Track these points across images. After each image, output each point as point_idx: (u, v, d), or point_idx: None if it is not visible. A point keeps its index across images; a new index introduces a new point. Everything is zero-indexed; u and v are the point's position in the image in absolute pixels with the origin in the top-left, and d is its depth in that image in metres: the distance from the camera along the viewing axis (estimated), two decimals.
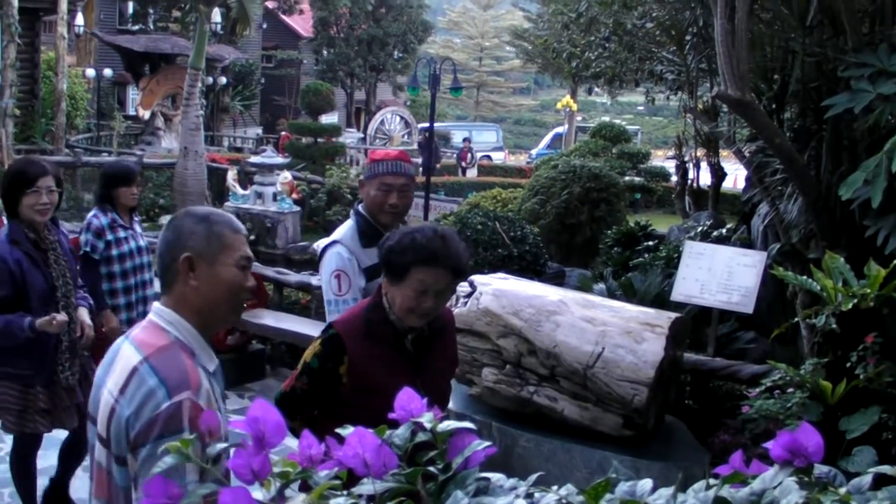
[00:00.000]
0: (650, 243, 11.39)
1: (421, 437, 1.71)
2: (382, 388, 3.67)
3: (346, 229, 5.46)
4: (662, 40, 13.08)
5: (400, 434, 1.70)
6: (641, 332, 6.26)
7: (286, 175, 21.31)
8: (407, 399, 1.79)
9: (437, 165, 38.19)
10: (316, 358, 4.18)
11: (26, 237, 5.93)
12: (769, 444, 1.66)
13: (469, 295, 6.96)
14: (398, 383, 3.83)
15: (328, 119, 40.00)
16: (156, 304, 3.21)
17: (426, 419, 1.71)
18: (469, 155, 38.21)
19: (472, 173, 36.95)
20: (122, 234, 7.50)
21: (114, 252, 7.47)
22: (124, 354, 3.11)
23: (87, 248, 7.37)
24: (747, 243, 9.79)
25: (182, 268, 3.10)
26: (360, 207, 5.50)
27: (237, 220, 3.29)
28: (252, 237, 20.44)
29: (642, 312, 6.63)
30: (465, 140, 40.70)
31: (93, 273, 7.35)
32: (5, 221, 6.16)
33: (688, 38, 12.05)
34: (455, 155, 39.35)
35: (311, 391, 4.23)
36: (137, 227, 7.77)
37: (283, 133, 39.46)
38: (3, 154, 21.94)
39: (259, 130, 52.03)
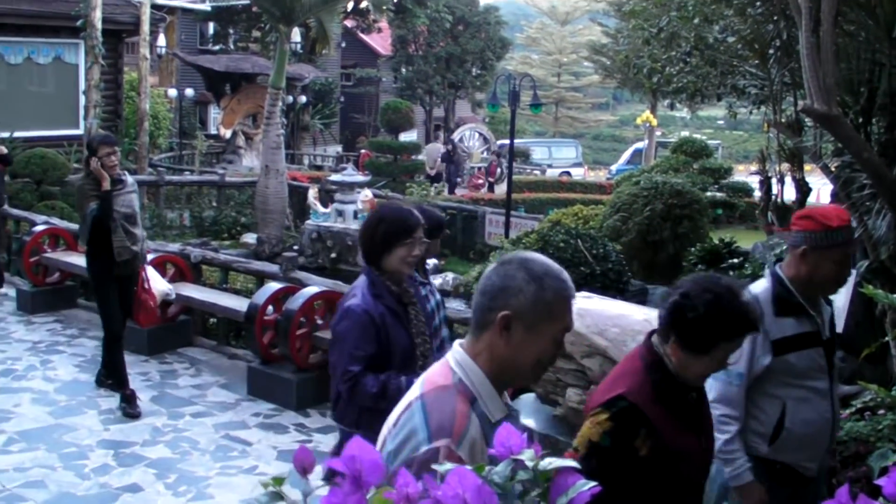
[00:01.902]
0: (735, 260, 11.26)
1: (522, 475, 1.66)
2: (684, 451, 3.57)
3: (760, 290, 4.76)
4: (745, 54, 12.94)
5: (500, 472, 1.66)
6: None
7: (367, 193, 21.39)
8: (506, 435, 1.75)
9: (459, 179, 38.00)
10: (606, 436, 3.63)
11: (388, 290, 5.44)
12: (882, 481, 1.61)
13: None
14: (694, 443, 3.74)
15: (407, 137, 40.10)
16: (458, 342, 3.06)
17: (527, 456, 1.67)
18: (498, 170, 37.65)
19: (500, 189, 36.28)
20: (423, 291, 6.39)
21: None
22: (414, 387, 3.05)
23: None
24: None
25: (497, 323, 2.92)
26: (778, 269, 4.86)
27: (569, 279, 3.06)
28: (333, 255, 20.54)
29: None
30: (492, 153, 40.28)
31: None
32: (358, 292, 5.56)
33: (771, 51, 11.91)
34: (484, 169, 38.82)
35: (602, 473, 3.34)
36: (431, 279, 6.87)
37: (363, 151, 39.65)
38: None
39: (339, 148, 52.30)
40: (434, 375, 3.00)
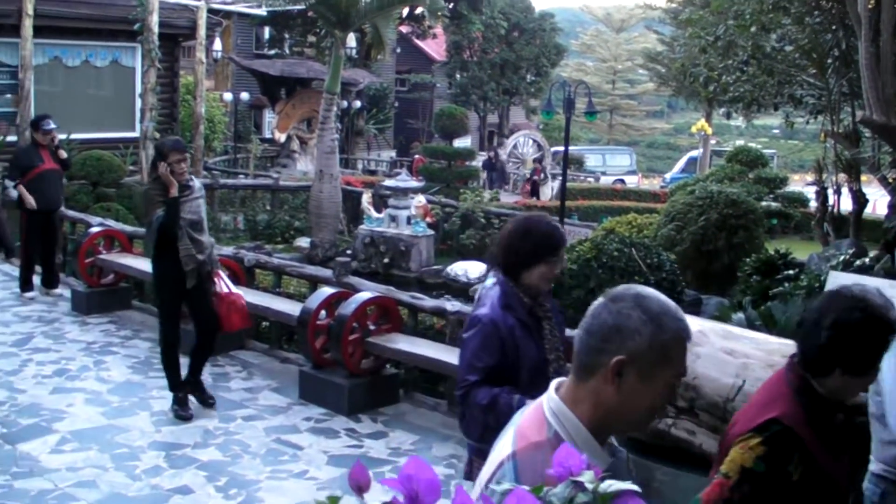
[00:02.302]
0: (790, 272, 11.14)
1: (581, 497, 1.62)
2: (833, 474, 3.53)
3: None
4: (802, 63, 12.85)
5: (558, 493, 1.62)
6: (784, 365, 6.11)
7: (420, 199, 21.42)
8: (565, 456, 1.72)
9: (506, 187, 37.82)
10: (761, 461, 3.51)
11: (521, 302, 5.16)
12: None
13: None
14: (840, 466, 3.69)
15: (461, 142, 40.13)
16: (553, 387, 2.79)
17: (586, 478, 1.63)
18: (542, 174, 37.35)
19: (545, 193, 35.90)
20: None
21: None
22: (505, 440, 2.75)
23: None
24: (891, 273, 9.52)
25: (610, 369, 2.64)
26: None
27: (685, 318, 2.78)
28: (386, 260, 20.57)
29: (784, 345, 6.46)
30: (535, 160, 39.98)
31: None
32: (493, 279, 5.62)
33: (829, 61, 11.82)
34: (528, 175, 38.47)
35: (755, 499, 3.55)
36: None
37: (417, 156, 39.67)
38: (144, 176, 22.35)
39: (393, 153, 52.41)
40: (527, 429, 2.70)
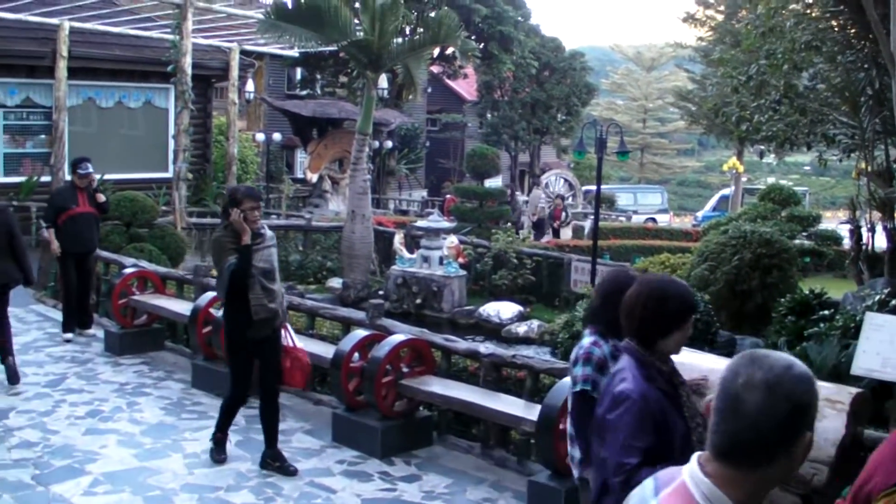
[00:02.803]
0: (825, 312, 11.07)
1: None
2: None
3: None
4: (835, 102, 12.81)
5: None
6: (821, 408, 6.03)
7: (453, 239, 21.42)
8: None
9: (521, 219, 37.64)
10: None
11: (659, 371, 4.86)
12: None
13: None
14: None
15: (492, 182, 40.13)
16: (696, 463, 2.62)
17: None
18: (563, 214, 37.11)
19: (566, 234, 35.51)
20: None
21: None
22: None
23: (587, 387, 5.77)
24: None
25: (797, 449, 2.49)
26: None
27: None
28: (418, 301, 20.55)
29: (822, 387, 6.36)
30: (557, 197, 39.77)
31: (587, 417, 5.61)
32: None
33: (862, 99, 11.78)
34: (549, 212, 38.21)
35: None
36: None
37: (449, 196, 39.68)
38: (177, 217, 22.47)
39: (424, 193, 52.50)
40: None
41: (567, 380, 8.27)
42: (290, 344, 9.22)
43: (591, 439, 5.36)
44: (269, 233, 8.93)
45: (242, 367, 9.00)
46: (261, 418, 9.08)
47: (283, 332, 9.10)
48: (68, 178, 24.04)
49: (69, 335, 13.82)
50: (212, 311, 11.79)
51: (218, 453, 9.11)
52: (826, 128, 13.46)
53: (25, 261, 11.93)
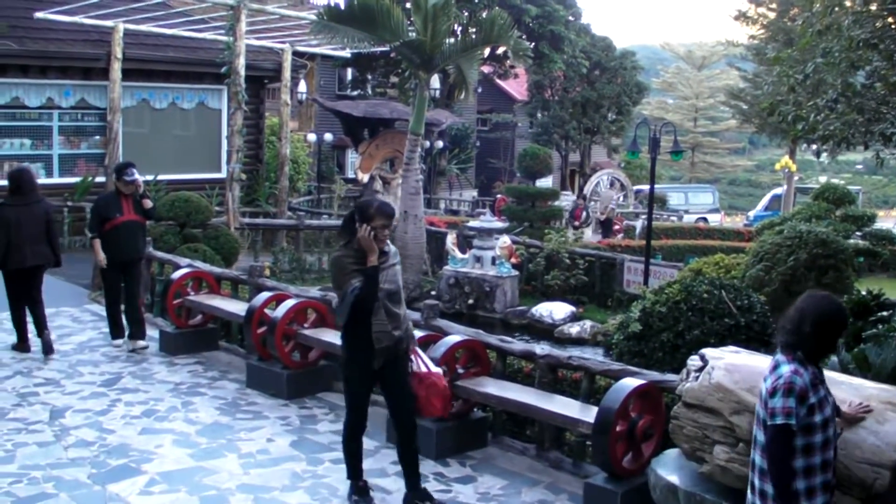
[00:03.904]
0: (884, 313, 10.94)
1: None
2: None
3: None
4: (893, 101, 12.68)
5: None
6: (883, 411, 5.99)
7: (505, 239, 21.40)
8: None
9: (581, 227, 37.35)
10: None
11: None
12: None
13: (700, 369, 6.78)
14: None
15: (543, 182, 40.04)
16: None
17: None
18: (583, 213, 36.74)
19: (588, 235, 35.03)
20: (822, 391, 5.55)
21: (816, 418, 5.46)
22: None
23: (790, 420, 5.40)
24: None
25: None
26: None
27: None
28: (470, 301, 20.54)
29: (883, 390, 6.34)
30: (578, 197, 39.37)
31: (789, 453, 5.45)
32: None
33: None
34: (569, 213, 37.84)
35: None
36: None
37: (500, 196, 39.67)
38: (230, 217, 22.56)
39: (474, 193, 52.56)
40: None
41: (628, 381, 8.26)
42: (424, 370, 8.23)
43: (791, 478, 5.45)
44: (392, 248, 8.06)
45: (361, 399, 8.16)
46: (399, 459, 8.25)
47: (414, 357, 8.22)
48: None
49: (118, 341, 13.71)
50: (267, 311, 11.84)
51: (364, 502, 8.25)
52: (884, 126, 13.30)
53: (57, 246, 13.22)
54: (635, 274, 21.37)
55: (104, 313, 14.53)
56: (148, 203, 13.66)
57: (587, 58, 54.37)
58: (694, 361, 6.90)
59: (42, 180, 24.43)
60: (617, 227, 36.29)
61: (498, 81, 59.54)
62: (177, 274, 14.04)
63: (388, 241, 7.95)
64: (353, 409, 8.14)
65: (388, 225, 7.84)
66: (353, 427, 8.16)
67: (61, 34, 24.66)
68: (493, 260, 21.02)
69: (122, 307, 13.75)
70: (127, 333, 13.70)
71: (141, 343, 13.55)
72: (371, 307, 7.67)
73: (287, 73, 27.83)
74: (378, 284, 7.66)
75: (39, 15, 23.02)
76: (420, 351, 8.36)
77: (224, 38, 23.34)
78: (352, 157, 48.53)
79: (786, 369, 5.45)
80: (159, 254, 15.97)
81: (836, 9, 12.39)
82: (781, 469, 5.43)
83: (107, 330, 14.06)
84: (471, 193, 52.83)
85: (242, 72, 22.68)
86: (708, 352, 6.96)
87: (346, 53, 31.62)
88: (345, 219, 8.02)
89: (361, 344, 7.81)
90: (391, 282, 7.84)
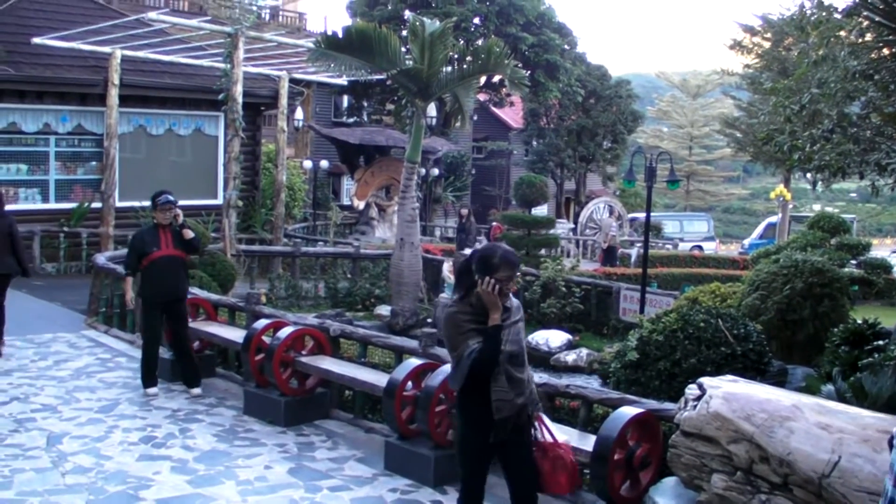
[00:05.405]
0: (879, 342, 10.99)
1: None
2: None
3: None
4: (888, 131, 12.75)
5: None
6: (880, 440, 6.02)
7: None
8: None
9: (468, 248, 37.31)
10: None
11: None
12: None
13: (698, 398, 6.81)
14: None
15: (539, 210, 40.15)
16: None
17: None
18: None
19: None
20: None
21: None
22: None
23: None
24: None
25: None
26: None
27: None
28: None
29: (880, 419, 6.38)
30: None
31: None
32: None
33: None
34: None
35: None
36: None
37: (495, 224, 39.75)
38: (226, 244, 22.61)
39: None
40: None
41: (626, 409, 8.28)
42: (549, 440, 7.09)
43: None
44: (515, 302, 6.89)
45: (477, 477, 7.10)
46: None
47: (538, 424, 7.08)
48: (119, 204, 24.57)
49: (152, 390, 12.59)
50: (264, 338, 11.86)
51: None
52: (879, 156, 13.37)
53: (23, 257, 13.54)
54: (631, 302, 21.41)
55: (100, 339, 14.53)
56: (189, 234, 12.60)
57: (582, 86, 54.54)
58: (692, 390, 6.94)
59: (38, 205, 24.67)
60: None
61: (494, 109, 59.76)
62: None
63: (510, 295, 6.81)
64: (469, 488, 7.12)
65: (514, 276, 6.74)
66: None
67: (58, 60, 24.76)
68: None
69: (171, 353, 13.14)
70: (182, 378, 12.96)
71: (196, 391, 12.70)
72: (491, 372, 6.59)
73: (284, 100, 27.96)
74: (500, 346, 6.56)
75: (37, 40, 23.14)
76: (545, 418, 7.19)
77: (221, 65, 23.44)
78: (347, 184, 48.72)
79: None
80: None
81: (832, 40, 12.46)
82: None
83: (104, 356, 14.07)
84: None
85: (240, 98, 22.76)
86: (706, 381, 7.00)
87: (343, 81, 31.71)
88: (459, 268, 6.97)
89: (478, 414, 6.74)
90: (514, 342, 6.68)
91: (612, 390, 10.42)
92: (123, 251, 20.08)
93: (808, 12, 13.04)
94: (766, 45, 48.13)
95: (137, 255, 12.45)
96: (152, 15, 24.09)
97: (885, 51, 12.28)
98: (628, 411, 8.20)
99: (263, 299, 15.99)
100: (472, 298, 6.65)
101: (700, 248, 49.18)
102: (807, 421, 6.25)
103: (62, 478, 9.17)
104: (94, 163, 26.11)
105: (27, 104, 24.89)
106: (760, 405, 6.47)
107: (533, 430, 6.99)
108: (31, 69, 24.40)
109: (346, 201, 47.08)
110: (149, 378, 12.69)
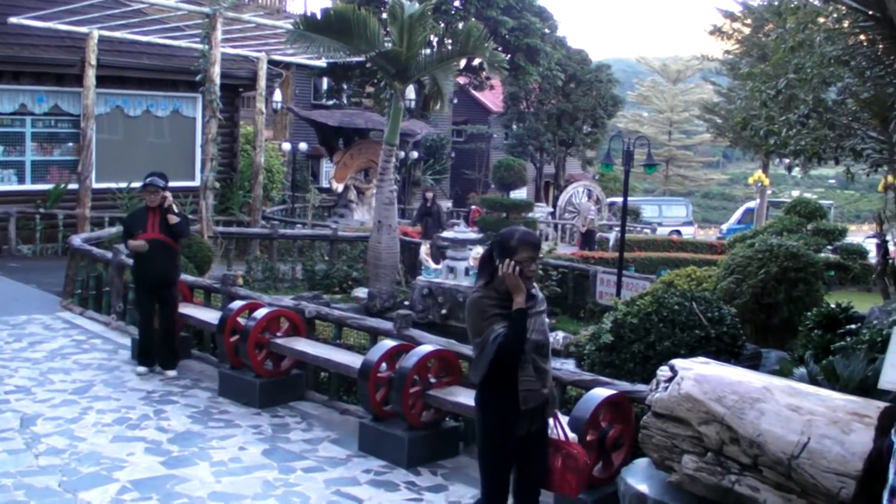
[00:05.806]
0: (852, 326, 11.03)
1: None
2: None
3: None
4: (863, 116, 12.78)
5: None
6: (849, 422, 6.04)
7: (479, 250, 21.38)
8: None
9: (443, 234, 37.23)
10: None
11: None
12: None
13: (670, 379, 6.83)
14: None
15: (518, 194, 40.18)
16: None
17: None
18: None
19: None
20: None
21: None
22: None
23: None
24: None
25: None
26: None
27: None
28: (444, 311, 20.56)
29: (850, 401, 6.40)
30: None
31: None
32: None
33: (892, 114, 11.74)
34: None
35: None
36: None
37: (474, 207, 39.74)
38: (203, 225, 22.56)
39: (449, 204, 52.58)
40: None
41: (598, 391, 8.30)
42: (562, 437, 6.95)
43: None
44: (540, 294, 6.72)
45: (502, 473, 6.68)
46: None
47: (553, 422, 6.90)
48: (95, 185, 24.49)
49: (142, 369, 12.69)
50: (239, 320, 11.84)
51: None
52: (854, 142, 13.40)
53: None
54: (608, 285, 21.43)
55: (76, 321, 14.48)
56: (173, 218, 12.34)
57: (563, 70, 54.51)
58: (664, 372, 6.95)
59: (14, 187, 24.55)
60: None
61: (473, 92, 59.65)
62: None
63: (535, 285, 6.68)
64: (493, 487, 6.70)
65: (535, 257, 6.53)
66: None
67: (35, 40, 24.60)
68: (467, 270, 21.01)
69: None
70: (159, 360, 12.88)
71: (171, 373, 12.67)
72: (516, 360, 6.35)
73: (262, 82, 27.86)
74: (526, 331, 6.34)
75: (14, 20, 22.96)
76: (559, 415, 7.02)
77: (199, 46, 23.36)
78: (326, 167, 48.60)
79: None
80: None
81: (809, 25, 12.48)
82: None
83: (79, 337, 14.05)
84: (445, 204, 52.85)
85: (217, 80, 22.70)
86: (677, 362, 7.01)
87: (322, 63, 31.66)
88: (482, 256, 6.76)
89: (504, 405, 6.46)
90: (539, 331, 6.49)
91: (586, 372, 10.45)
92: (99, 233, 20.12)
93: None
94: (747, 30, 48.12)
95: (128, 236, 12.49)
96: None
97: (862, 37, 12.31)
98: (601, 393, 8.23)
99: (240, 281, 15.98)
100: (496, 284, 6.46)
101: (678, 232, 49.34)
102: (777, 403, 6.27)
103: (35, 459, 9.16)
104: (70, 144, 25.99)
105: (3, 84, 24.72)
106: (731, 387, 6.49)
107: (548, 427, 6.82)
108: (7, 49, 24.23)
109: (324, 184, 46.96)
110: (142, 357, 12.83)
